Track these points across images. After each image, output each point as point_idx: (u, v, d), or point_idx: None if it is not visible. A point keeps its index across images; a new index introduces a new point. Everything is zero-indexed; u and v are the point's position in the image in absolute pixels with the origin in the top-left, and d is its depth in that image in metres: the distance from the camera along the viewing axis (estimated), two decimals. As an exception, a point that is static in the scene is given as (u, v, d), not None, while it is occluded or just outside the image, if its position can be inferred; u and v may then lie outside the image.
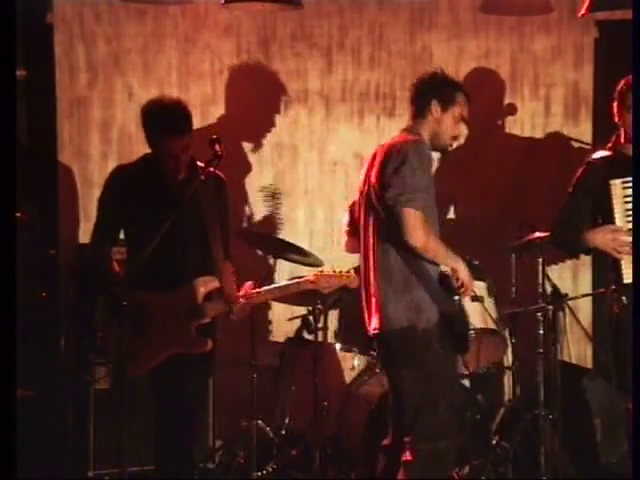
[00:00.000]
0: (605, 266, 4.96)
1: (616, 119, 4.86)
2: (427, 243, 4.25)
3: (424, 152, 4.34)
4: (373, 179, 4.36)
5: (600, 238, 4.82)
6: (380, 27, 6.31)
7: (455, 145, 4.64)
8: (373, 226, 4.39)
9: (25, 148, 6.01)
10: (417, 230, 4.22)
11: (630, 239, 4.66)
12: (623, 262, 4.76)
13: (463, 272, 4.34)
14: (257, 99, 6.25)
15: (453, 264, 4.34)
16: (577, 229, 4.87)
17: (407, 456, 4.31)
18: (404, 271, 4.33)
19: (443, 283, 4.37)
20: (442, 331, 4.34)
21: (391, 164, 4.29)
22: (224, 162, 4.39)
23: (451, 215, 6.28)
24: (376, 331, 4.39)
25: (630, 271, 4.73)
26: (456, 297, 4.36)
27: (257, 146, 6.25)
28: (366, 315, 4.45)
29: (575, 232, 4.88)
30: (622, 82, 4.82)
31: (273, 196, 6.24)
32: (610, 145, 4.90)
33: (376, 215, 4.36)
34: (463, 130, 4.64)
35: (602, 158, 4.90)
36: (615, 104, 4.85)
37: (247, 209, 6.23)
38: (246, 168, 6.25)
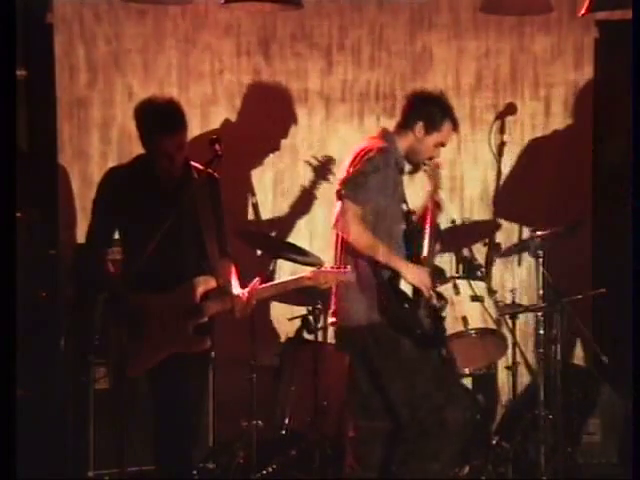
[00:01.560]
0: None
1: None
2: (356, 235, 4.41)
3: (386, 159, 4.52)
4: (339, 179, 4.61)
5: None
6: (380, 27, 6.31)
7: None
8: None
9: (25, 148, 6.00)
10: (345, 219, 4.41)
11: None
12: None
13: (409, 276, 4.44)
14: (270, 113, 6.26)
15: (396, 267, 4.44)
16: None
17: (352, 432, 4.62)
18: (357, 270, 4.52)
19: (390, 287, 4.44)
20: (392, 328, 4.48)
21: (350, 168, 4.52)
22: (231, 162, 4.42)
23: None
24: (333, 323, 4.67)
25: None
26: (406, 304, 4.42)
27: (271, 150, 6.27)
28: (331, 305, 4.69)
29: None
30: None
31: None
32: None
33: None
34: (439, 153, 4.75)
35: None
36: None
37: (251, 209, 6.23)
38: (252, 168, 6.26)
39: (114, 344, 4.17)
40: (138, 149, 4.68)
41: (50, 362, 5.55)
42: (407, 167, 4.71)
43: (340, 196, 4.49)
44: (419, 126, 4.61)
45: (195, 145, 4.79)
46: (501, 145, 6.26)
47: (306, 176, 6.29)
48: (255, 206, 6.16)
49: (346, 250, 4.57)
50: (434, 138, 4.64)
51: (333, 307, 4.68)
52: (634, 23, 4.42)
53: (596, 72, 6.33)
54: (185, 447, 4.52)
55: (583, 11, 5.31)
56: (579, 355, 6.28)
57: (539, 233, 5.40)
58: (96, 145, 6.16)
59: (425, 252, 4.58)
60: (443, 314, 4.68)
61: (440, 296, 4.63)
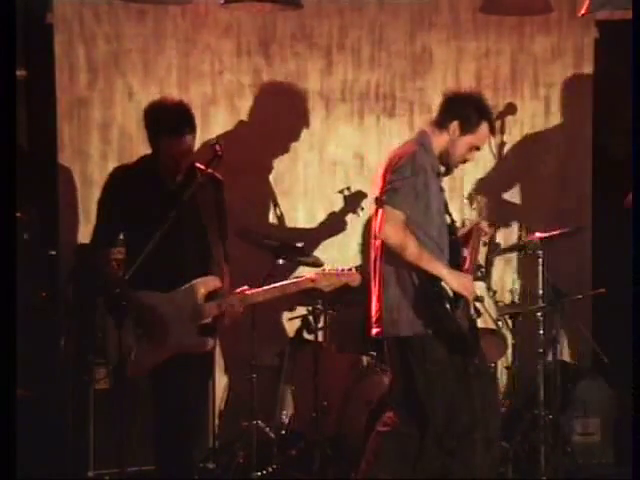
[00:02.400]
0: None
1: None
2: (400, 241, 4.33)
3: (418, 163, 4.41)
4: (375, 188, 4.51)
5: None
6: (380, 27, 6.31)
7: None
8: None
9: (25, 148, 6.00)
10: (389, 226, 4.33)
11: None
12: None
13: (450, 280, 4.37)
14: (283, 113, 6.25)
15: (437, 271, 4.36)
16: None
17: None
18: (393, 276, 4.44)
19: (430, 290, 4.38)
20: (436, 336, 4.40)
21: (387, 174, 4.42)
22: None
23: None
24: (376, 334, 4.54)
25: None
26: (447, 304, 4.35)
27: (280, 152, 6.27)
28: (372, 314, 4.56)
29: None
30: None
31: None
32: None
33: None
34: (474, 156, 4.66)
35: None
36: None
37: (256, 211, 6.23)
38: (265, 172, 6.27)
39: (115, 344, 4.16)
40: (138, 149, 4.69)
41: (50, 362, 5.55)
42: (442, 169, 4.61)
43: (380, 204, 4.39)
44: (454, 125, 4.49)
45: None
46: (501, 145, 6.27)
47: (306, 176, 6.30)
48: (280, 218, 6.15)
49: (386, 258, 4.46)
50: (469, 140, 4.52)
51: (375, 316, 4.53)
52: (634, 23, 4.43)
53: (596, 72, 6.33)
54: (185, 447, 4.52)
55: (583, 11, 5.31)
56: (580, 355, 6.28)
57: (538, 235, 5.40)
58: (96, 145, 6.15)
59: (467, 265, 4.53)
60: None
61: (476, 309, 4.57)
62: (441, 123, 4.55)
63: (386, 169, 4.46)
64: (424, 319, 4.39)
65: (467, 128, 4.50)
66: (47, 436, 5.34)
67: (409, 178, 4.36)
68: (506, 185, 6.31)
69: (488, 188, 6.25)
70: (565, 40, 6.34)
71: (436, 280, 4.36)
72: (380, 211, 4.39)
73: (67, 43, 6.10)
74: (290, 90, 6.24)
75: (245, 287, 4.53)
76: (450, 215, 4.64)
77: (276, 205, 6.18)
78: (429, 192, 4.44)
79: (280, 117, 6.22)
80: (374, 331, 4.56)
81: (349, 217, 6.19)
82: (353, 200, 6.15)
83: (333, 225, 6.21)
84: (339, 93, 6.32)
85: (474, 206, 4.70)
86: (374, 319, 4.54)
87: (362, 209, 6.09)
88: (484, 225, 4.68)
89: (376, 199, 4.45)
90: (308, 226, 6.27)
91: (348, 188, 6.12)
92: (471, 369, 4.49)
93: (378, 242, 4.50)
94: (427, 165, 4.46)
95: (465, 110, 4.51)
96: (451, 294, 4.37)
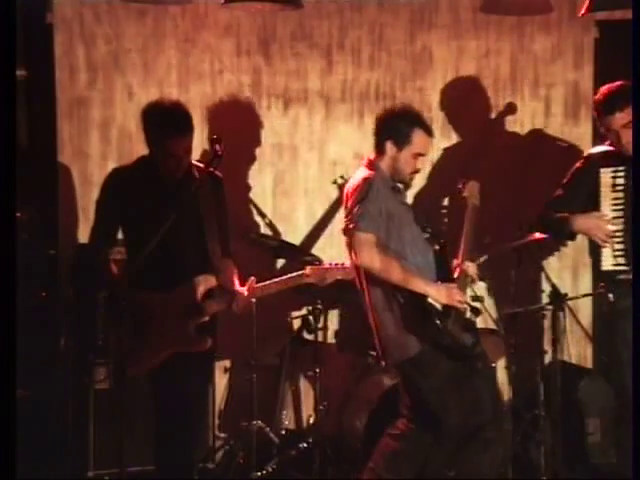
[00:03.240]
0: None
1: (602, 130, 4.93)
2: (377, 264, 4.35)
3: (373, 185, 4.45)
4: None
5: (585, 223, 4.88)
6: (380, 27, 6.31)
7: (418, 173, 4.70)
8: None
9: (25, 148, 6.00)
10: (364, 251, 4.35)
11: (614, 227, 4.77)
12: (603, 249, 4.81)
13: (435, 295, 4.37)
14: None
15: (420, 289, 4.37)
16: (567, 213, 4.92)
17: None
18: (381, 299, 4.47)
19: (416, 308, 4.38)
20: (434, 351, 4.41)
21: (348, 202, 4.49)
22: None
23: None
24: (386, 364, 4.62)
25: (609, 258, 4.80)
26: (437, 320, 4.35)
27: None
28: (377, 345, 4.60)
29: (564, 215, 4.92)
30: (598, 94, 4.92)
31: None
32: (610, 142, 4.94)
33: None
34: (423, 162, 4.68)
35: (601, 152, 4.95)
36: (597, 115, 4.93)
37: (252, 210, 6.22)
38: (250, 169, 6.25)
39: (115, 344, 4.17)
40: (138, 149, 4.68)
41: (50, 362, 5.54)
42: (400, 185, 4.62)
43: (349, 231, 4.42)
44: (388, 145, 4.54)
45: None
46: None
47: (306, 176, 6.30)
48: (271, 225, 6.14)
49: (370, 281, 4.48)
50: (408, 151, 4.54)
51: (379, 348, 4.56)
52: (634, 23, 4.43)
53: (596, 72, 6.32)
54: (185, 447, 4.52)
55: (583, 11, 5.31)
56: (580, 355, 6.28)
57: (539, 235, 5.41)
58: (96, 145, 6.15)
59: (457, 272, 4.53)
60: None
61: (474, 309, 4.53)
62: (378, 147, 4.60)
63: (346, 202, 4.52)
64: (418, 338, 4.41)
65: (401, 142, 4.54)
66: (47, 436, 5.34)
67: (368, 200, 4.39)
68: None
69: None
70: (565, 40, 6.34)
71: (421, 297, 4.37)
72: (352, 240, 4.40)
73: (67, 43, 6.10)
74: (235, 100, 6.21)
75: (253, 278, 4.57)
76: (426, 226, 4.64)
77: (264, 216, 6.15)
78: (394, 209, 4.48)
79: (234, 127, 6.17)
80: (382, 363, 4.62)
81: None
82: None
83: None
84: (339, 93, 6.32)
85: (466, 193, 4.65)
86: (380, 351, 4.56)
87: None
88: (470, 266, 4.60)
89: (344, 230, 4.46)
90: (308, 225, 6.27)
91: (342, 177, 6.09)
92: (475, 371, 4.51)
93: (357, 265, 4.49)
94: (382, 185, 4.49)
95: (393, 126, 4.55)
96: (439, 307, 4.38)
